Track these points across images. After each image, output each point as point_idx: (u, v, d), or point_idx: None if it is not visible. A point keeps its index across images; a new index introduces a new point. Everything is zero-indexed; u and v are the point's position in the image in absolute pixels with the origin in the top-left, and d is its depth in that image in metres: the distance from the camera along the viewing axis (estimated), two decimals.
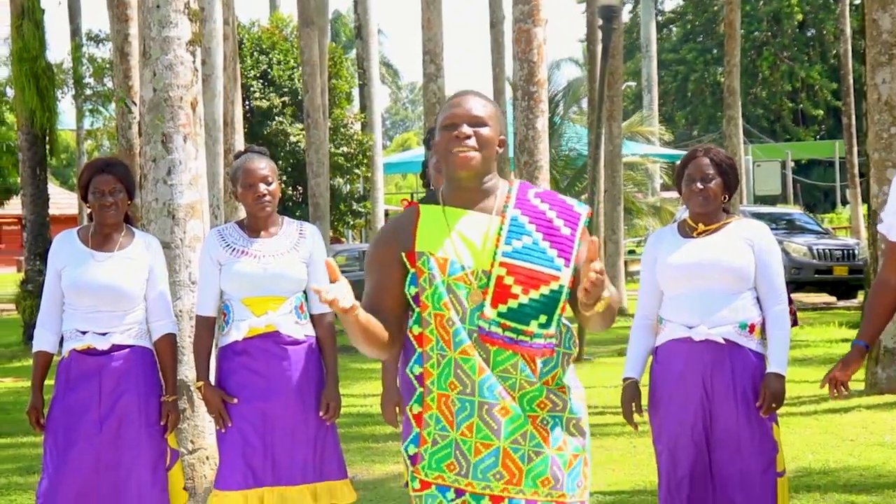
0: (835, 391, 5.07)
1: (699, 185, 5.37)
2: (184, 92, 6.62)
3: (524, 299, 3.70)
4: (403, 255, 3.77)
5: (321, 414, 5.72)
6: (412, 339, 3.78)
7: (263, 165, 5.74)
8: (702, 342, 5.27)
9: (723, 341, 5.28)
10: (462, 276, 3.72)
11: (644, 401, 5.46)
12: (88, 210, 5.81)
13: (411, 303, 3.78)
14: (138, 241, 5.83)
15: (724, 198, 5.43)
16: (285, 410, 5.67)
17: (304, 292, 5.75)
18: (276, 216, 5.82)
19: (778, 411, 5.35)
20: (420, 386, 3.78)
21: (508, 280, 3.70)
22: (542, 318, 3.72)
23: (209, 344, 5.74)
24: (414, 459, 3.81)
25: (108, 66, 22.67)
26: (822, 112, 54.27)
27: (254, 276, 5.66)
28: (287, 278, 5.69)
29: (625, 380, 5.48)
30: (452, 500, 3.76)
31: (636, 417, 5.47)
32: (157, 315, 5.78)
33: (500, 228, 3.76)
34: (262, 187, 5.70)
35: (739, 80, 22.19)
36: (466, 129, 3.76)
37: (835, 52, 48.41)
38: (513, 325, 3.70)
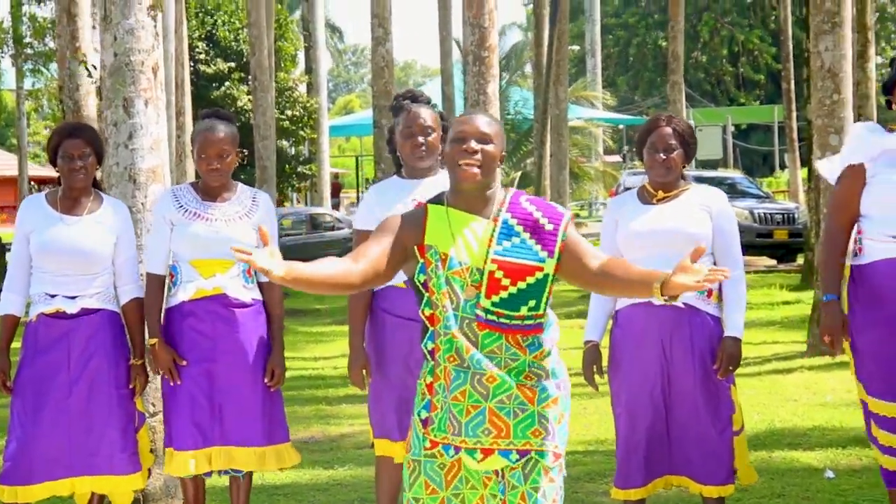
0: (838, 350, 5.27)
1: (662, 156, 5.51)
2: (145, 56, 6.65)
3: (513, 290, 4.20)
4: (416, 247, 4.25)
5: (266, 380, 5.82)
6: (425, 319, 4.26)
7: (222, 137, 5.79)
8: (661, 306, 5.41)
9: (682, 305, 5.42)
10: (459, 270, 4.21)
11: (604, 363, 5.61)
12: (57, 174, 5.87)
13: (420, 289, 4.26)
14: (107, 206, 5.89)
15: (684, 163, 5.58)
16: (232, 372, 5.75)
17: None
18: (230, 182, 5.89)
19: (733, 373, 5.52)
20: (432, 360, 4.27)
21: (499, 274, 4.19)
22: (532, 303, 4.21)
23: (160, 301, 5.80)
24: (425, 423, 4.28)
25: (49, 25, 22.50)
26: (762, 76, 54.68)
27: (205, 238, 5.72)
28: (237, 243, 5.68)
29: (586, 342, 5.62)
30: (453, 456, 4.24)
31: (596, 379, 5.62)
32: (124, 279, 5.84)
33: (493, 231, 4.23)
34: (216, 162, 5.76)
35: (683, 45, 22.38)
36: (474, 145, 4.24)
37: (774, 17, 48.76)
38: (506, 311, 4.19)
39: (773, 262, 23.89)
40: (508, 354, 4.21)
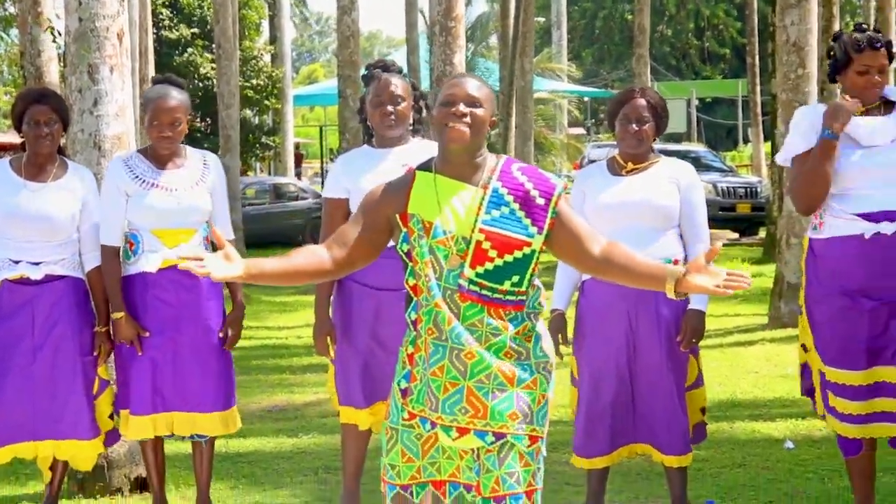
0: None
1: (634, 127, 5.53)
2: (110, 22, 6.60)
3: (499, 262, 4.12)
4: (398, 216, 4.18)
5: (220, 336, 5.84)
6: (409, 289, 4.21)
7: (175, 105, 5.73)
8: None
9: None
10: (443, 239, 4.12)
11: (570, 333, 5.65)
12: (21, 140, 5.84)
13: (405, 258, 4.20)
14: (72, 173, 5.86)
15: (655, 136, 5.61)
16: (195, 340, 5.77)
17: (207, 223, 5.79)
18: (179, 146, 5.87)
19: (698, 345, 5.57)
20: (414, 330, 4.21)
21: (486, 245, 4.11)
22: (515, 278, 4.13)
23: (119, 273, 5.77)
24: (404, 393, 4.24)
25: None
26: (727, 50, 54.80)
27: (167, 209, 5.70)
28: (198, 210, 5.75)
29: (552, 311, 5.65)
30: (429, 431, 4.19)
31: (562, 349, 5.66)
32: (89, 246, 5.81)
33: (483, 199, 4.14)
34: (168, 130, 5.72)
35: (649, 18, 22.42)
36: (463, 108, 4.15)
37: None
38: (489, 284, 4.11)
39: (736, 235, 24.04)
40: (489, 329, 4.14)
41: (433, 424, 4.18)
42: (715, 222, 22.60)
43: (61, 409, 5.75)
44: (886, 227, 5.17)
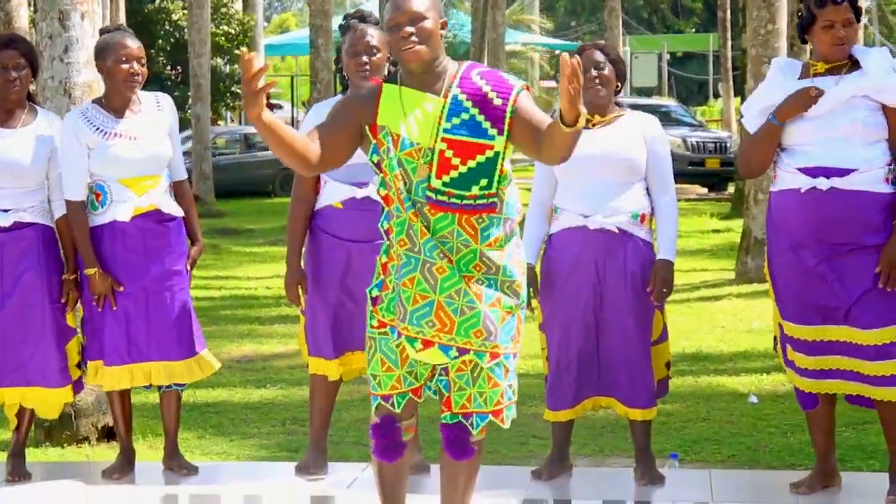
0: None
1: (593, 72, 5.54)
2: None
3: (463, 169, 4.23)
4: (367, 127, 4.31)
5: (188, 267, 5.87)
6: (381, 199, 4.35)
7: (137, 45, 5.75)
8: (596, 230, 5.48)
9: (616, 230, 5.49)
10: (411, 151, 4.25)
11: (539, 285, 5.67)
12: None
13: (374, 168, 4.33)
14: (41, 119, 5.83)
15: (617, 86, 5.61)
16: (163, 287, 5.77)
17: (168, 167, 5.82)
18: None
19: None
20: (387, 239, 4.35)
21: (449, 153, 4.22)
22: (483, 182, 4.24)
23: (87, 228, 5.71)
24: (375, 301, 4.39)
25: None
26: (699, 4, 54.73)
27: (132, 158, 5.67)
28: (162, 156, 5.75)
29: None
30: (396, 340, 4.33)
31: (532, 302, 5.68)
32: (59, 193, 5.77)
33: (444, 107, 4.25)
34: (136, 66, 5.70)
35: None
36: (409, 28, 4.23)
37: None
38: (457, 192, 4.23)
39: (705, 190, 24.13)
40: (460, 240, 4.26)
41: (399, 334, 4.31)
42: (684, 177, 22.98)
43: (29, 356, 5.74)
44: (822, 183, 5.19)
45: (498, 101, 4.25)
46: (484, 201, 4.24)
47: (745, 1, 13.43)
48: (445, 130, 4.23)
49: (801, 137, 5.26)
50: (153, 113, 5.80)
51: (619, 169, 5.50)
